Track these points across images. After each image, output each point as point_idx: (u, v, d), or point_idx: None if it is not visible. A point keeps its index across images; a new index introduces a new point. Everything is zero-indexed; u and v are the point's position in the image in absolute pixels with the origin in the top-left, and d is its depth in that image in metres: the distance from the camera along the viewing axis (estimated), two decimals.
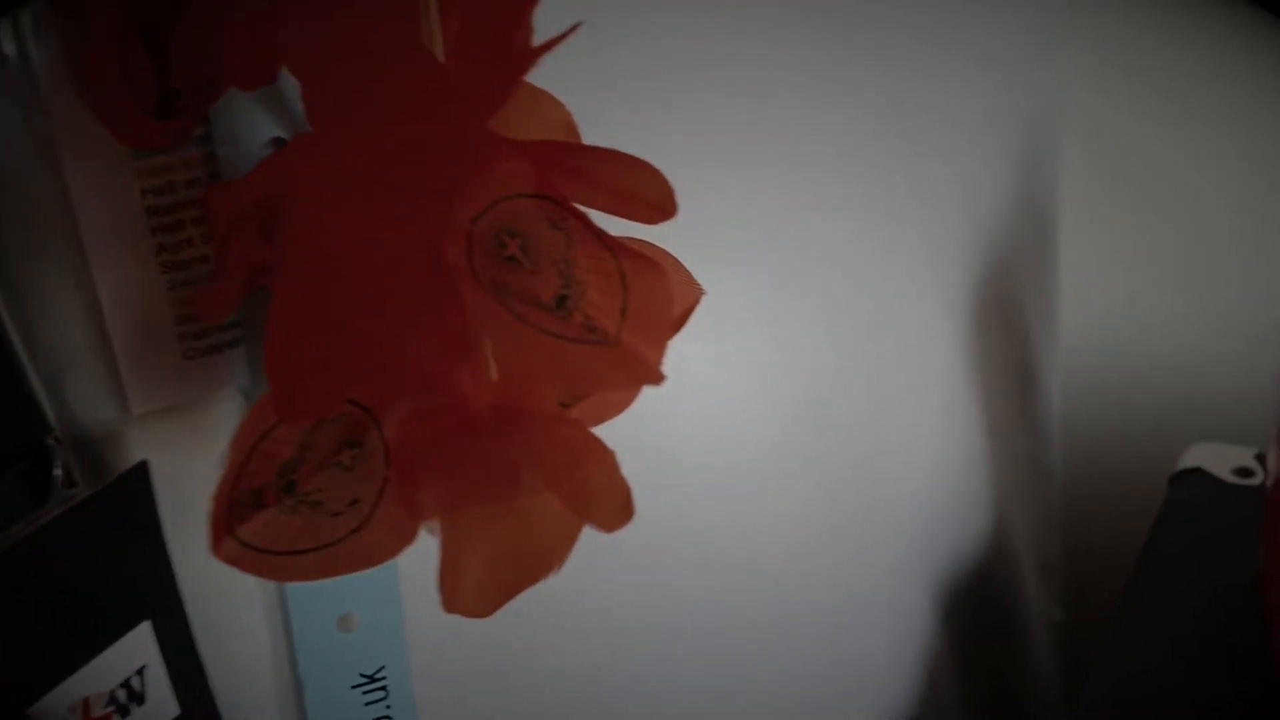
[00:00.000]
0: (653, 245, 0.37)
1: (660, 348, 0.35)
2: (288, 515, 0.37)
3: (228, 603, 0.44)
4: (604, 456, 0.37)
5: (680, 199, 0.35)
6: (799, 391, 0.61)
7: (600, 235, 0.34)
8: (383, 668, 0.46)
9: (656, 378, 0.35)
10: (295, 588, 0.44)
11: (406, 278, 0.33)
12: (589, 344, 0.33)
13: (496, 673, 0.50)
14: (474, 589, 0.37)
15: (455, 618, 0.37)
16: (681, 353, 0.36)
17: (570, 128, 0.39)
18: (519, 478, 0.35)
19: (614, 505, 0.37)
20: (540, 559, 0.37)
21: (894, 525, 0.67)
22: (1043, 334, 0.90)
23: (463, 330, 0.33)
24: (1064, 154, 0.88)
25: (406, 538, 0.38)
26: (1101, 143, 0.96)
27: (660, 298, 0.34)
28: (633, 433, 0.39)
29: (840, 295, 0.63)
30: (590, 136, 0.38)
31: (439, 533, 0.37)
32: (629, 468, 0.38)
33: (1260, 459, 0.75)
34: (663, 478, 0.52)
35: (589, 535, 0.38)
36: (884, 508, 0.66)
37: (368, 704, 0.46)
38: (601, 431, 0.38)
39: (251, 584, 0.43)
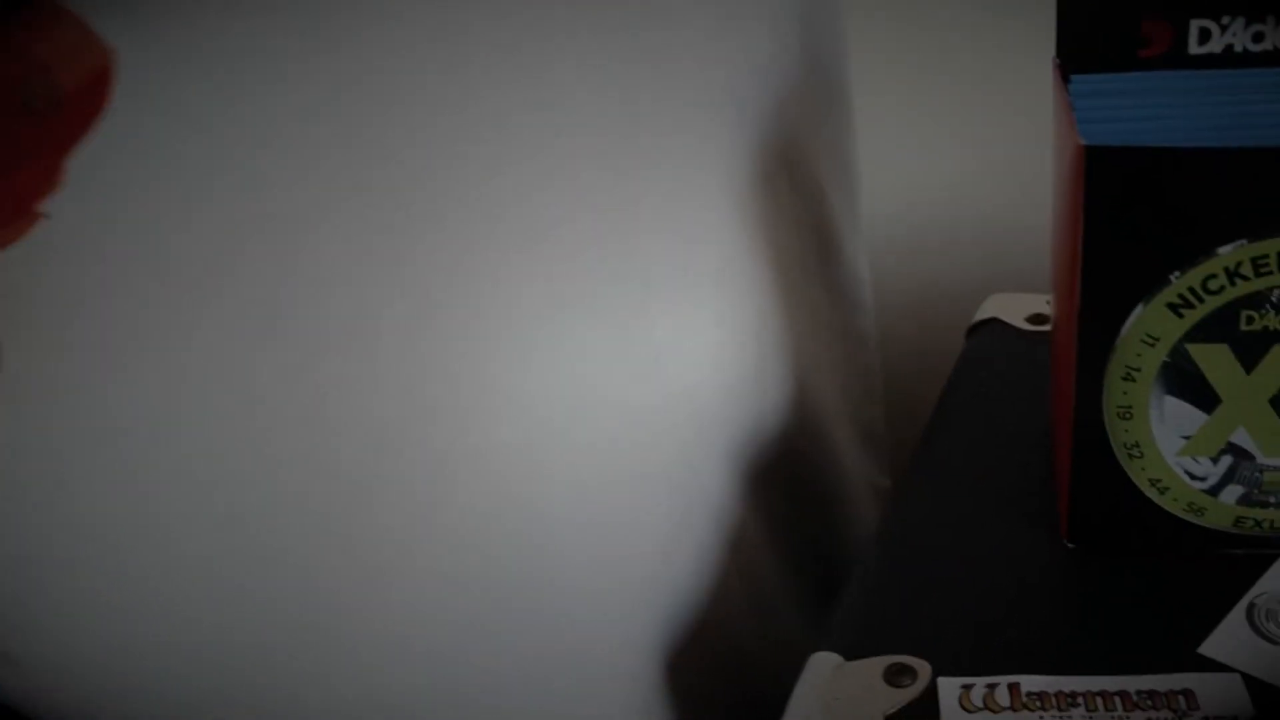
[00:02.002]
0: None
1: None
2: None
3: None
4: None
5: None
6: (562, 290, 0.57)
7: None
8: None
9: None
10: None
11: None
12: None
13: None
14: None
15: None
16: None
17: None
18: None
19: None
20: None
21: (674, 413, 0.63)
22: (842, 200, 0.86)
23: None
24: (857, 26, 0.85)
25: None
26: (892, 13, 0.92)
27: None
28: None
29: (599, 185, 0.58)
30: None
31: None
32: None
33: None
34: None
35: None
36: (660, 401, 0.62)
37: None
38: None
39: None
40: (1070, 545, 0.57)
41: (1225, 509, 0.54)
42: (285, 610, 0.42)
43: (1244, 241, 0.49)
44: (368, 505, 0.45)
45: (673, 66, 0.64)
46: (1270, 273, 0.49)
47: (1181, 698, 0.49)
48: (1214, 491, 0.54)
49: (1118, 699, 0.49)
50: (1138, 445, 0.54)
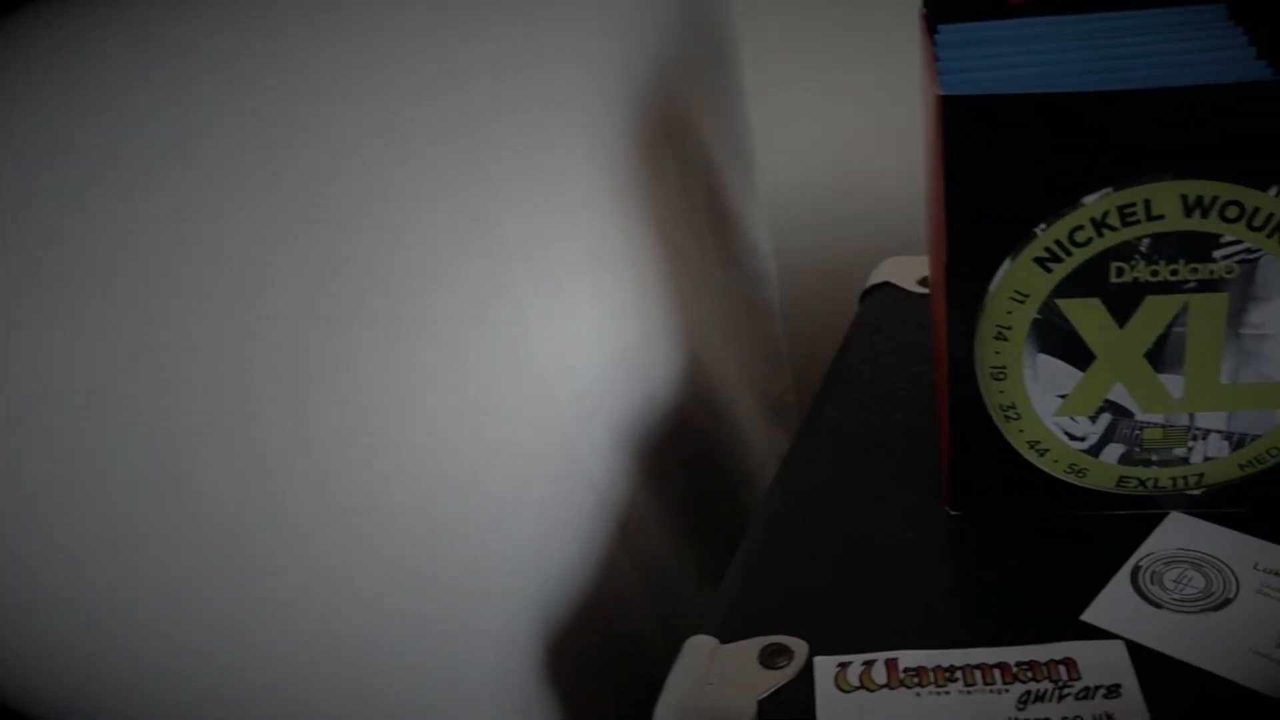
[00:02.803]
0: None
1: None
2: None
3: None
4: None
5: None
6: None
7: None
8: None
9: None
10: None
11: None
12: None
13: None
14: None
15: None
16: None
17: None
18: None
19: None
20: None
21: (548, 390, 0.60)
22: (737, 170, 0.84)
23: None
24: None
25: None
26: None
27: None
28: None
29: (449, 161, 0.55)
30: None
31: None
32: None
33: None
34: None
35: None
36: (532, 379, 0.59)
37: None
38: None
39: None
40: (953, 513, 0.55)
41: (1107, 469, 0.52)
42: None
43: (1110, 190, 0.46)
44: (234, 490, 0.43)
45: (540, 35, 0.61)
46: (1138, 222, 0.47)
47: (1062, 667, 0.47)
48: (1094, 451, 0.52)
49: (997, 671, 0.47)
50: (1014, 407, 0.51)
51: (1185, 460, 0.51)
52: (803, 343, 0.97)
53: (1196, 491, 0.52)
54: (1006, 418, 0.52)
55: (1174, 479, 0.52)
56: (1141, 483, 0.52)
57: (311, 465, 0.45)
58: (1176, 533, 0.52)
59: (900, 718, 0.46)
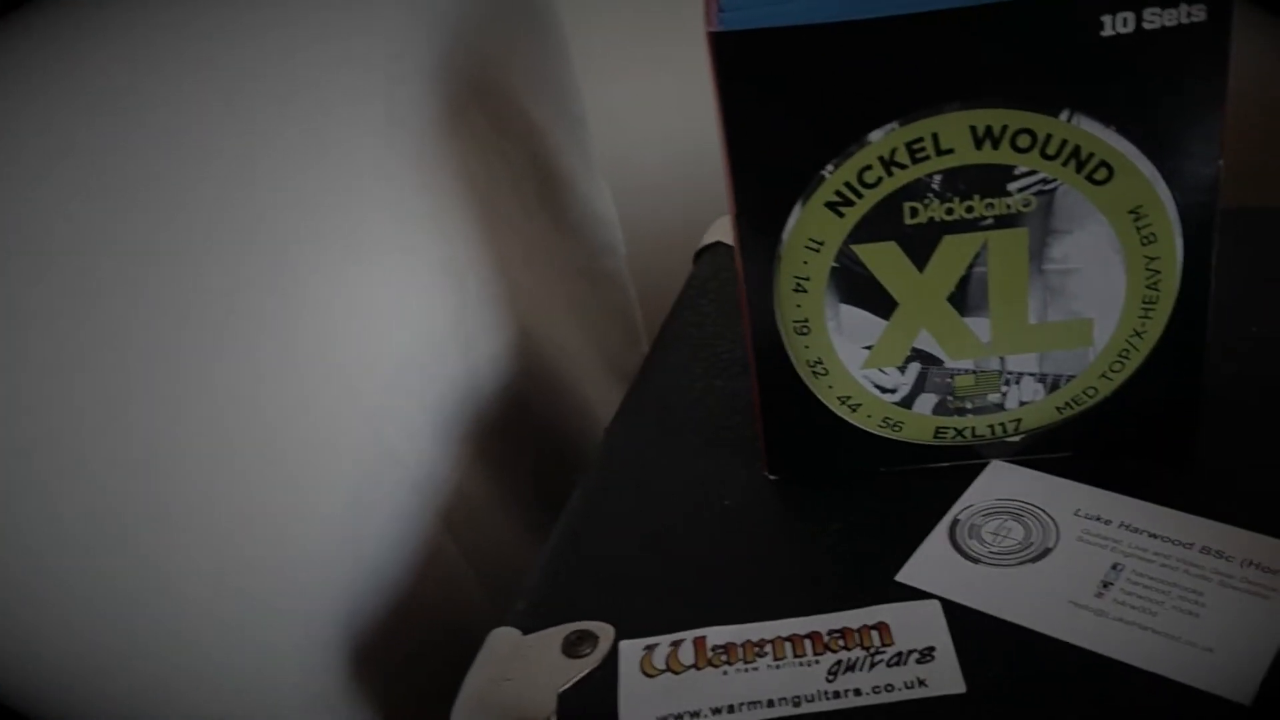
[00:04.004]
0: None
1: None
2: None
3: None
4: None
5: None
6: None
7: None
8: None
9: None
10: None
11: None
12: None
13: None
14: None
15: None
16: None
17: None
18: None
19: None
20: None
21: (350, 370, 0.56)
22: (567, 135, 0.79)
23: None
24: None
25: None
26: None
27: None
28: None
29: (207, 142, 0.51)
30: None
31: None
32: None
33: None
34: None
35: None
36: (329, 360, 0.54)
37: None
38: None
39: None
40: (772, 478, 0.52)
41: (922, 421, 0.49)
42: None
43: (895, 125, 0.43)
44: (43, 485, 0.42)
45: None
46: (927, 157, 0.43)
47: (875, 632, 0.44)
48: (907, 403, 0.49)
49: (808, 642, 0.44)
50: (820, 362, 0.48)
51: (1001, 406, 0.49)
52: (660, 311, 0.93)
53: (1016, 438, 0.49)
54: (815, 373, 0.48)
55: (991, 427, 0.49)
56: (959, 433, 0.49)
57: (104, 457, 0.41)
58: (996, 483, 0.49)
59: (704, 700, 0.42)
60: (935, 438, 0.50)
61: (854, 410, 0.49)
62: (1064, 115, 0.42)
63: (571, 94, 0.80)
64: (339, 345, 0.56)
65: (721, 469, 0.53)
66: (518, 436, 0.70)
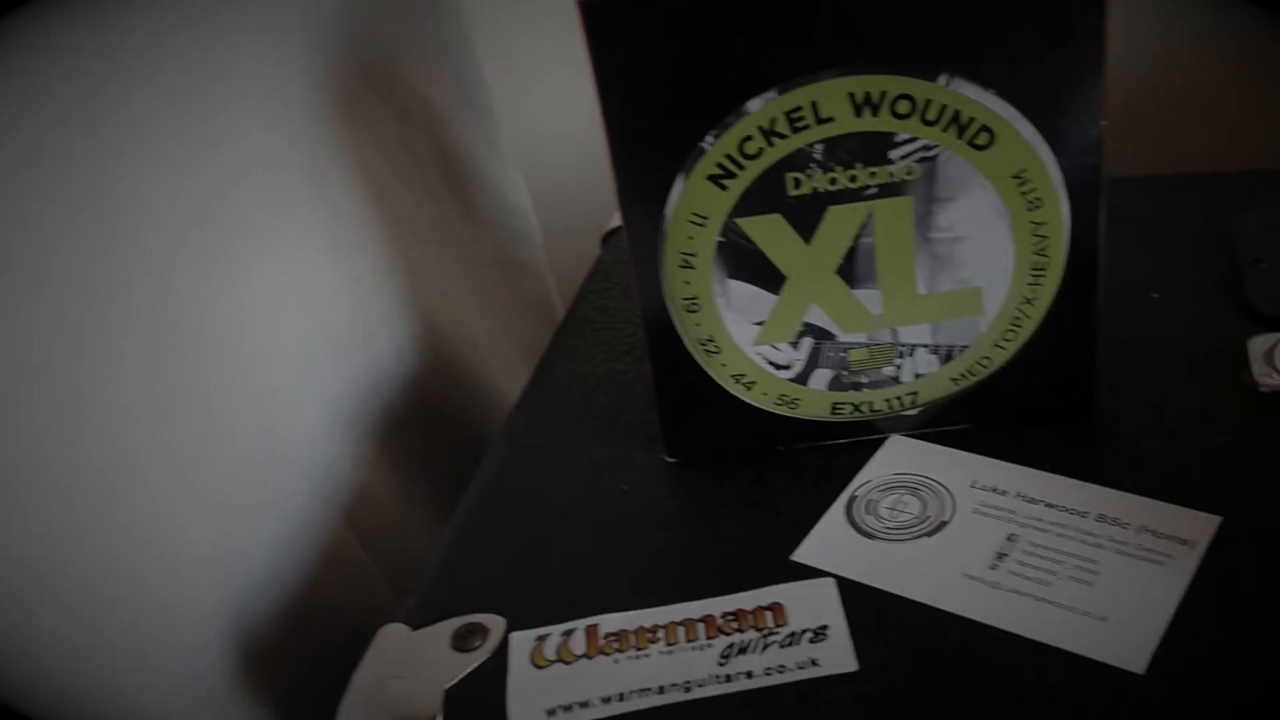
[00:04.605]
0: None
1: None
2: None
3: None
4: None
5: None
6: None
7: None
8: None
9: None
10: None
11: None
12: None
13: None
14: None
15: None
16: None
17: None
18: None
19: None
20: None
21: (243, 365, 0.54)
22: (473, 123, 0.77)
23: None
24: None
25: None
26: None
27: None
28: None
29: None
30: None
31: None
32: None
33: None
34: None
35: None
36: (216, 369, 0.53)
37: None
38: None
39: None
40: (670, 461, 0.50)
41: (818, 397, 0.48)
42: None
43: (774, 94, 0.42)
44: None
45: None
46: (807, 126, 0.42)
47: (769, 613, 0.42)
48: (802, 379, 0.48)
49: (701, 625, 0.42)
50: (712, 340, 0.47)
51: (896, 380, 0.48)
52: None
53: (913, 412, 0.48)
54: (707, 352, 0.47)
55: (889, 401, 0.48)
56: (856, 408, 0.48)
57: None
58: (894, 457, 0.48)
59: (594, 690, 0.41)
60: (832, 414, 0.49)
61: (749, 388, 0.48)
62: (942, 79, 0.41)
63: (476, 84, 0.78)
64: (226, 341, 0.54)
65: (620, 454, 0.51)
66: (428, 431, 0.68)
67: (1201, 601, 0.39)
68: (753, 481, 0.48)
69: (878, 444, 0.49)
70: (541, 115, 0.88)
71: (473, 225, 0.77)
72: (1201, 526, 0.42)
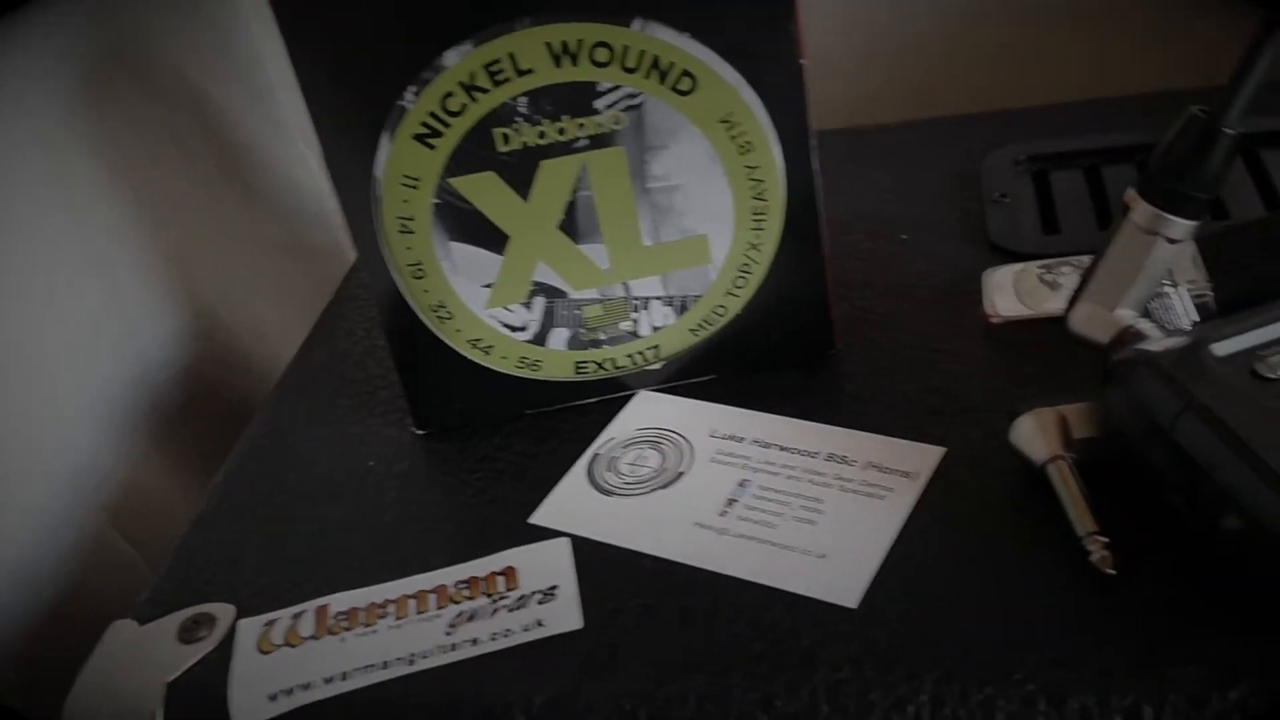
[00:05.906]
0: None
1: None
2: None
3: None
4: None
5: None
6: None
7: None
8: None
9: None
10: None
11: None
12: None
13: None
14: None
15: None
16: None
17: None
18: None
19: None
20: None
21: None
22: (249, 104, 0.75)
23: None
24: None
25: None
26: None
27: None
28: None
29: None
30: None
31: None
32: None
33: None
34: None
35: None
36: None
37: None
38: None
39: None
40: (420, 433, 0.49)
41: (560, 357, 0.47)
42: None
43: (469, 46, 0.40)
44: None
45: None
46: (508, 80, 0.41)
47: (501, 579, 0.41)
48: (540, 340, 0.47)
49: (433, 596, 0.41)
50: (443, 305, 0.45)
51: (635, 335, 0.47)
52: None
53: (657, 366, 0.48)
54: (439, 318, 0.46)
55: (631, 356, 0.47)
56: (600, 365, 0.48)
57: None
58: (639, 413, 0.47)
59: (317, 671, 0.39)
60: (576, 373, 0.48)
61: (487, 353, 0.47)
62: (636, 24, 0.40)
63: (252, 65, 0.75)
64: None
65: (370, 430, 0.50)
66: (208, 423, 0.66)
67: (919, 533, 0.39)
68: (498, 448, 0.47)
69: (626, 401, 0.48)
70: None
71: (254, 208, 0.74)
72: (925, 458, 0.42)
